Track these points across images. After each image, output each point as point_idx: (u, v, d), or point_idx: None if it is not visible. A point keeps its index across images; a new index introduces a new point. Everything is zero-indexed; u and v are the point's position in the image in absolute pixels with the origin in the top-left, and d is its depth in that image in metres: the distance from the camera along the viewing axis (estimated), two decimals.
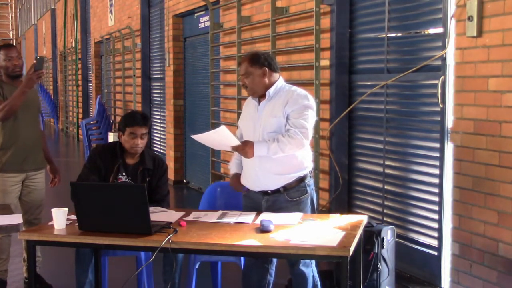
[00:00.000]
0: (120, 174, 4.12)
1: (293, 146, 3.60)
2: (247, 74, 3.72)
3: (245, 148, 3.55)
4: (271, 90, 3.74)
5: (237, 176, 3.93)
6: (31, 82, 4.32)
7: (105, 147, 4.27)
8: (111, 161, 4.11)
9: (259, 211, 3.75)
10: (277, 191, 3.74)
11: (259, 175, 3.71)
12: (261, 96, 3.78)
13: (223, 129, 3.51)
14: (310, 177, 3.83)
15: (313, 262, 3.79)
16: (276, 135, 3.64)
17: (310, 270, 3.77)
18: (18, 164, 4.53)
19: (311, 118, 3.68)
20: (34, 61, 4.27)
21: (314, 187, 3.89)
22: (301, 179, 3.76)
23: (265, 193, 3.77)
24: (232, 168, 4.01)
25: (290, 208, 3.71)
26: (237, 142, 3.55)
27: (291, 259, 3.66)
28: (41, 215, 4.71)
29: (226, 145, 3.66)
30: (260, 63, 3.71)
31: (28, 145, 4.56)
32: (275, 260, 3.90)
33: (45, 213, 4.61)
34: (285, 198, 3.73)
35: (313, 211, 3.84)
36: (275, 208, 3.73)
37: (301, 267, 3.73)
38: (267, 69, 3.71)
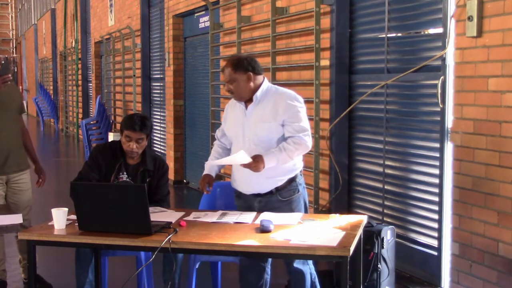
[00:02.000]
0: (121, 174, 4.12)
1: (300, 152, 3.67)
2: (231, 81, 3.67)
3: (257, 164, 3.53)
4: (258, 94, 3.70)
5: (208, 176, 3.88)
6: None
7: (107, 145, 4.27)
8: (112, 160, 4.11)
9: (252, 211, 3.76)
10: (269, 192, 3.75)
11: (252, 179, 3.70)
12: (247, 100, 3.75)
13: (242, 153, 3.52)
14: (301, 175, 3.85)
15: None
16: (268, 139, 3.65)
17: (307, 267, 3.77)
18: None
19: (306, 116, 3.72)
20: None
21: (305, 185, 3.90)
22: (292, 179, 3.77)
23: (257, 195, 3.78)
24: (206, 168, 3.93)
25: (282, 208, 3.73)
26: (249, 160, 3.53)
27: (291, 259, 3.66)
28: (30, 215, 4.68)
29: (239, 163, 3.64)
30: (244, 68, 3.66)
31: (8, 146, 4.53)
32: (270, 259, 3.90)
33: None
34: (278, 198, 3.74)
35: (305, 209, 3.86)
36: (267, 208, 3.74)
37: (297, 265, 3.72)
38: (251, 73, 3.67)
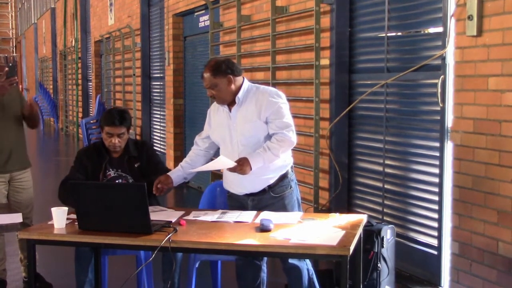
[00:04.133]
0: (107, 171, 4.13)
1: (285, 149, 3.67)
2: (212, 86, 3.68)
3: (242, 167, 3.55)
4: (240, 95, 3.71)
5: (166, 177, 3.86)
6: (3, 89, 4.33)
7: (90, 147, 4.31)
8: (97, 159, 4.13)
9: (245, 210, 3.78)
10: (262, 190, 3.76)
11: (244, 180, 3.70)
12: (230, 103, 3.75)
13: (221, 158, 3.58)
14: (292, 171, 3.86)
15: None
16: (255, 138, 3.67)
17: (304, 263, 3.77)
18: (1, 166, 4.52)
19: (289, 111, 3.73)
20: (6, 68, 4.26)
21: (296, 181, 3.91)
22: (284, 175, 3.79)
23: (250, 194, 3.79)
24: (173, 170, 3.97)
25: (275, 204, 3.75)
26: (233, 164, 3.56)
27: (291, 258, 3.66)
28: (32, 214, 4.70)
29: (221, 168, 3.71)
30: (223, 71, 3.66)
31: (10, 145, 4.55)
32: (266, 257, 3.91)
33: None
34: (270, 195, 3.76)
35: (298, 205, 3.87)
36: (261, 206, 3.76)
37: (292, 261, 3.72)
38: (231, 76, 3.67)
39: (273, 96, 3.70)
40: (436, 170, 4.47)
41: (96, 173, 4.10)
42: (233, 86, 3.69)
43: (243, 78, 3.77)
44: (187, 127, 9.65)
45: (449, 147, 4.31)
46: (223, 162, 3.60)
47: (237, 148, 3.72)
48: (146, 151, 4.21)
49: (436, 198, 4.48)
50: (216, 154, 4.02)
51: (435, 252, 4.50)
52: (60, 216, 3.42)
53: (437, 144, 4.46)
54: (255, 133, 3.69)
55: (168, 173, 3.92)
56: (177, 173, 3.93)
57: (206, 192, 4.45)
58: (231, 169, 3.57)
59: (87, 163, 4.12)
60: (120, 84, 12.70)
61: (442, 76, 4.30)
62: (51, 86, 23.44)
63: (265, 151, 3.58)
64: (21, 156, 4.66)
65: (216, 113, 3.88)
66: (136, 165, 4.13)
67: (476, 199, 4.06)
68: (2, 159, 4.53)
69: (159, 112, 10.91)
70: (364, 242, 3.80)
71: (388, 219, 5.04)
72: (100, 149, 4.16)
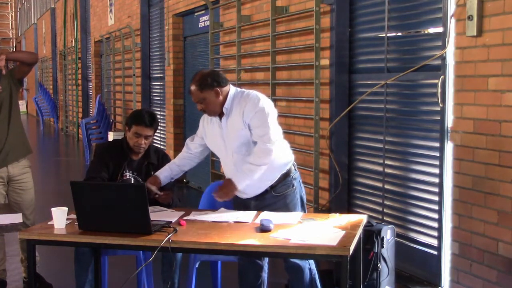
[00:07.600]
0: (125, 171, 4.13)
1: (264, 158, 3.60)
2: (201, 100, 3.69)
3: (227, 189, 3.61)
4: (226, 105, 3.71)
5: (155, 178, 3.94)
6: None
7: (110, 144, 4.30)
8: (117, 159, 4.13)
9: (248, 209, 3.79)
10: (264, 191, 3.77)
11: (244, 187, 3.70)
12: (220, 113, 3.76)
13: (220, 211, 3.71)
14: (295, 170, 3.86)
15: None
16: (246, 145, 3.67)
17: (306, 262, 3.77)
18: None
19: (270, 117, 3.64)
20: None
21: (300, 180, 3.90)
22: (286, 174, 3.79)
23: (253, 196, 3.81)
24: (160, 170, 4.02)
25: (277, 203, 3.76)
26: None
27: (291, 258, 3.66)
28: (34, 216, 4.68)
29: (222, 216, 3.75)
30: (209, 85, 3.65)
31: (4, 141, 4.52)
32: (267, 257, 3.91)
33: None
34: (272, 194, 3.77)
35: (302, 205, 3.87)
36: (263, 205, 3.77)
37: (295, 260, 3.72)
38: (218, 88, 3.67)
39: (253, 101, 3.66)
40: (436, 170, 4.47)
41: (116, 172, 4.11)
42: (221, 97, 3.69)
43: (229, 85, 3.77)
44: (187, 127, 9.66)
45: (449, 147, 4.31)
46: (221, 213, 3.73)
47: (232, 156, 3.74)
48: (166, 163, 4.19)
49: (436, 198, 4.48)
50: (207, 158, 4.01)
51: (435, 252, 4.50)
52: (60, 216, 3.42)
53: (437, 144, 4.46)
54: (245, 140, 3.68)
55: (156, 174, 3.98)
56: (165, 174, 3.99)
57: (206, 192, 4.45)
58: (217, 196, 3.65)
59: (109, 161, 4.12)
60: (120, 84, 12.70)
61: (442, 76, 4.30)
62: (51, 86, 23.44)
63: (247, 167, 3.59)
64: (17, 150, 4.61)
65: (209, 123, 3.89)
66: (152, 172, 4.13)
67: (476, 199, 4.07)
68: None
69: (159, 113, 10.89)
70: (364, 242, 3.80)
71: (388, 219, 5.04)
72: (123, 148, 4.15)
